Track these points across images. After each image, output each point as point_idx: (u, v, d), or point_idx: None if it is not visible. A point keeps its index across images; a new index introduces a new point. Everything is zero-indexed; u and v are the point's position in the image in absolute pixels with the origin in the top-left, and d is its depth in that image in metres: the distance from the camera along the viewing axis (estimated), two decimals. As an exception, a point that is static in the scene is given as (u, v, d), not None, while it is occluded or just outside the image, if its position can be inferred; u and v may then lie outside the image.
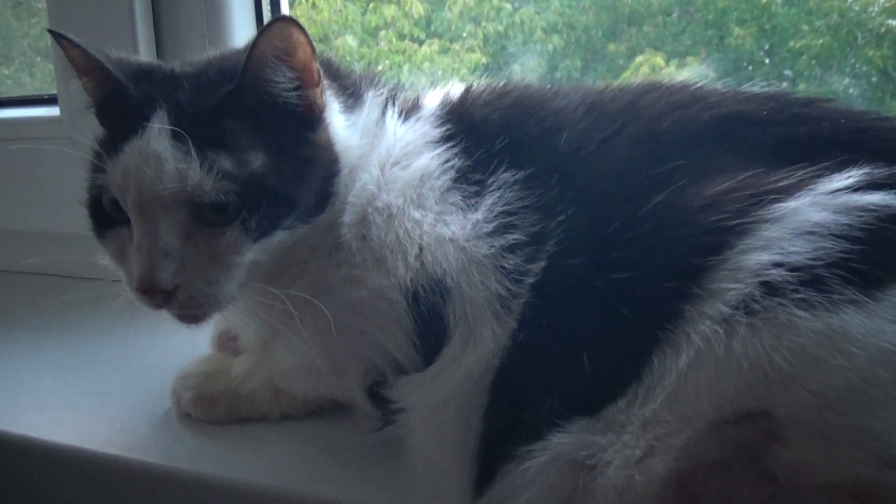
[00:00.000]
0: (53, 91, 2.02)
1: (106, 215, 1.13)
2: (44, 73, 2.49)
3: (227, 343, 1.39)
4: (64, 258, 1.29)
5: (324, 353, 1.15)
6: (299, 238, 1.13)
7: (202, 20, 1.77)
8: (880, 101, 1.82)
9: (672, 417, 0.89)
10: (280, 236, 1.10)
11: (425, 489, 1.07)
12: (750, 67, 1.93)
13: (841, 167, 0.94)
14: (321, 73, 1.14)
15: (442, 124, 1.18)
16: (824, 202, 0.90)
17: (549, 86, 1.22)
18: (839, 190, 0.91)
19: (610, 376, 0.95)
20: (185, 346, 1.41)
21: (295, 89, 1.11)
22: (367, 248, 1.13)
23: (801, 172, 0.94)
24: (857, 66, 1.83)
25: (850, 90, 1.85)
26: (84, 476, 1.26)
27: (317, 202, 1.13)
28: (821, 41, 1.82)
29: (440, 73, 2.14)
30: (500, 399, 1.02)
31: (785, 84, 1.86)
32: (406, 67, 2.15)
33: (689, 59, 1.96)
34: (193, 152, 1.05)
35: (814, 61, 1.84)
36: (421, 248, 1.09)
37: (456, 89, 1.25)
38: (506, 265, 1.04)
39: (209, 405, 1.27)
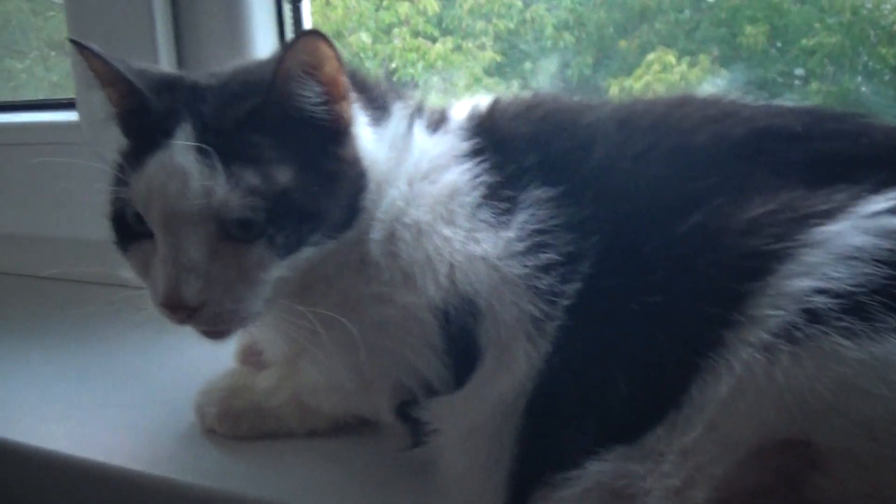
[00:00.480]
0: (68, 86, 2.01)
1: (129, 228, 1.12)
2: (60, 68, 2.47)
3: (251, 357, 1.37)
4: (86, 265, 1.28)
5: (351, 371, 1.14)
6: (326, 254, 1.12)
7: (224, 30, 1.75)
8: (893, 99, 1.81)
9: (712, 446, 0.87)
10: (307, 252, 1.09)
11: (456, 512, 1.05)
12: (762, 67, 1.92)
13: (880, 187, 0.92)
14: (348, 86, 1.12)
15: (470, 138, 1.17)
16: (865, 225, 0.87)
17: (577, 98, 1.21)
18: (880, 212, 0.89)
19: (648, 403, 0.93)
20: (209, 358, 1.38)
21: (322, 104, 1.09)
22: (395, 265, 1.11)
23: (842, 195, 0.92)
24: (870, 64, 1.82)
25: (863, 89, 1.85)
26: (105, 491, 1.24)
27: (344, 217, 1.11)
28: (833, 39, 1.81)
29: (454, 71, 2.13)
30: (535, 424, 1.00)
31: (796, 82, 1.86)
32: (420, 65, 2.15)
33: (701, 57, 1.95)
34: (219, 167, 1.03)
35: (826, 60, 1.83)
36: (451, 266, 1.07)
37: (483, 101, 1.23)
38: (539, 286, 1.02)
39: (234, 421, 1.26)
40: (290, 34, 1.80)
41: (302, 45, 1.05)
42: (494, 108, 1.21)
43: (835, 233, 0.88)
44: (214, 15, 1.75)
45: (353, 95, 1.15)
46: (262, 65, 1.19)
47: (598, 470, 0.93)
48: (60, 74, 2.48)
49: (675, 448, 0.89)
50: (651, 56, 1.95)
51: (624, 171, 1.05)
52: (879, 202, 0.90)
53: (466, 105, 1.24)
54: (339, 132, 1.12)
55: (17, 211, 2.09)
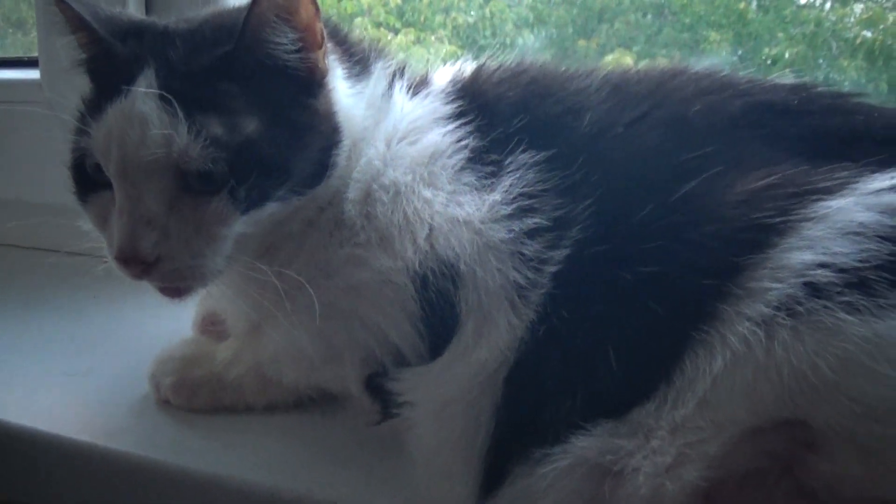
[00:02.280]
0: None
1: (89, 179, 1.08)
2: (18, 46, 2.44)
3: (210, 326, 1.32)
4: (41, 229, 1.23)
5: (319, 339, 1.10)
6: (293, 211, 1.08)
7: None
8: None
9: (704, 423, 0.84)
10: (271, 208, 1.05)
11: (426, 489, 1.01)
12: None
13: (881, 165, 0.90)
14: (325, 34, 1.08)
15: (453, 101, 1.13)
16: (868, 202, 0.86)
17: (565, 66, 1.18)
18: (883, 190, 0.87)
19: (638, 377, 0.90)
20: (166, 327, 1.35)
21: (296, 51, 1.05)
22: (371, 226, 1.07)
23: (843, 172, 0.90)
24: (831, 75, 1.82)
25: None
26: (53, 463, 1.19)
27: (313, 173, 1.07)
28: (796, 49, 1.82)
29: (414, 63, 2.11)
30: (516, 396, 0.97)
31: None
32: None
33: (660, 60, 1.95)
34: (181, 115, 0.99)
35: (787, 69, 1.83)
36: (431, 229, 1.04)
37: (467, 66, 1.20)
38: (525, 251, 0.99)
39: (191, 392, 1.20)
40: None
41: None
42: (479, 73, 1.18)
43: (837, 208, 0.86)
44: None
45: (329, 46, 1.11)
46: (237, 10, 1.14)
47: (584, 445, 0.89)
48: (16, 52, 2.43)
49: (666, 424, 0.87)
50: (609, 57, 1.95)
51: (617, 136, 1.02)
52: (883, 179, 0.88)
53: (449, 70, 1.21)
54: (312, 82, 1.08)
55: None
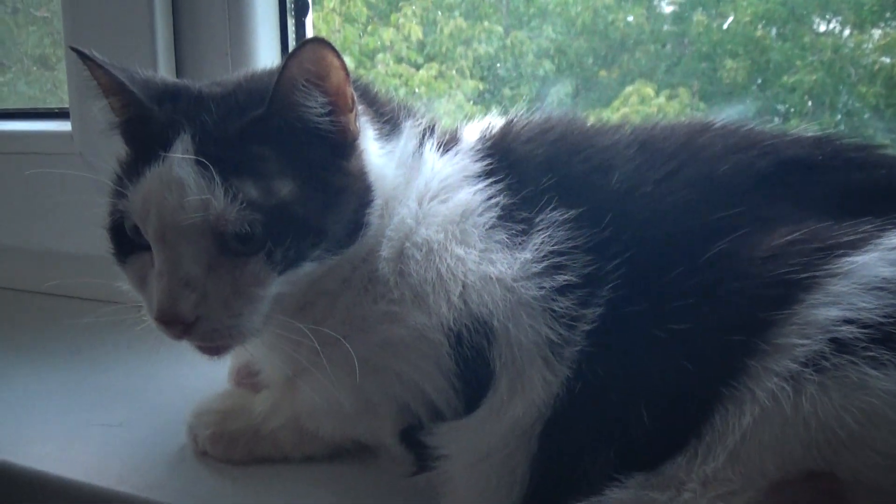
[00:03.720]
0: (49, 100, 1.96)
1: (127, 241, 1.09)
2: (40, 83, 2.45)
3: (246, 378, 1.33)
4: (78, 279, 1.24)
5: (355, 393, 1.11)
6: (328, 270, 1.09)
7: (225, 37, 1.71)
8: (871, 138, 1.82)
9: (734, 476, 0.85)
10: (307, 268, 1.06)
11: (460, 542, 1.02)
12: (742, 102, 1.92)
13: None
14: (355, 97, 1.10)
15: (482, 158, 1.14)
16: (892, 257, 0.87)
17: (591, 122, 1.19)
18: None
19: (670, 432, 0.91)
20: (203, 378, 1.36)
21: (327, 115, 1.07)
22: (405, 283, 1.08)
23: (867, 227, 0.91)
24: (850, 102, 1.83)
25: (841, 126, 1.85)
26: (92, 515, 1.20)
27: (347, 232, 1.09)
28: (814, 77, 1.82)
29: (436, 97, 2.12)
30: (552, 450, 0.98)
31: (776, 118, 1.86)
32: (403, 91, 2.13)
33: (681, 90, 1.95)
34: (218, 180, 1.00)
35: (806, 97, 1.84)
36: (465, 287, 1.05)
37: (496, 122, 1.21)
38: (556, 308, 1.00)
39: (228, 444, 1.22)
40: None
41: (306, 53, 1.02)
42: (507, 130, 1.18)
43: (862, 263, 0.87)
44: (216, 26, 1.72)
45: (360, 108, 1.12)
46: (268, 74, 1.16)
47: (618, 497, 0.91)
48: (41, 89, 2.45)
49: (697, 477, 0.88)
50: (630, 88, 1.95)
51: (646, 195, 1.03)
52: None
53: (478, 126, 1.22)
54: (344, 144, 1.09)
55: (4, 222, 2.03)
